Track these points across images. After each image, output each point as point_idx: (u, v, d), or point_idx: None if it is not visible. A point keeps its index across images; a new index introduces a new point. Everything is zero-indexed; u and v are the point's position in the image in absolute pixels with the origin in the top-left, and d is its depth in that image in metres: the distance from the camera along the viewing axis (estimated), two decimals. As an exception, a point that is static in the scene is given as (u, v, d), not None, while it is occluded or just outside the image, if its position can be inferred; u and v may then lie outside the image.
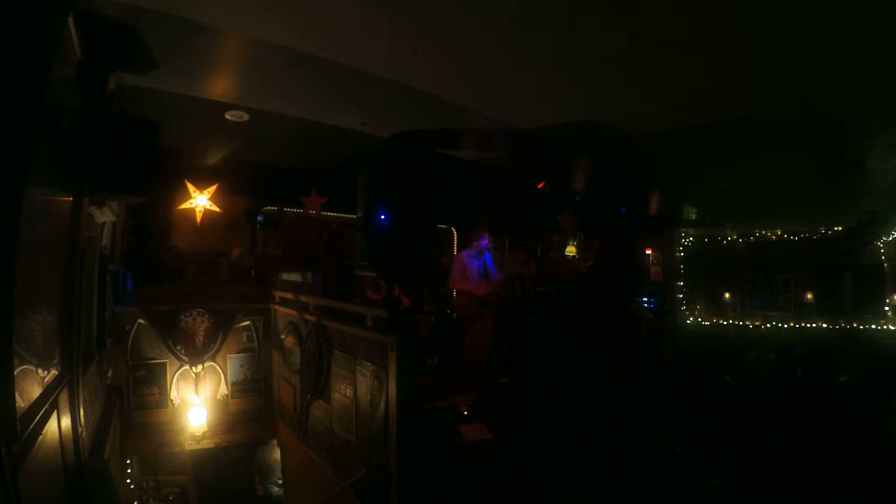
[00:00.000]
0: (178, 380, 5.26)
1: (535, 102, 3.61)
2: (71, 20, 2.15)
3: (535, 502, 3.89)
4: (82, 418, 2.67)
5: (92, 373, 3.46)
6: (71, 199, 2.47)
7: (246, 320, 5.66)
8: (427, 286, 6.90)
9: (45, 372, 2.13)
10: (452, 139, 4.55)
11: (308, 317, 4.77)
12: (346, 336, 4.14)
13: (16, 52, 1.55)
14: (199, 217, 5.84)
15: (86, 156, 2.49)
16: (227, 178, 5.92)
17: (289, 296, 5.40)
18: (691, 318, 8.70)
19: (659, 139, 4.16)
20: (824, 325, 7.87)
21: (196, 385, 5.30)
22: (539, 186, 6.88)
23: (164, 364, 5.22)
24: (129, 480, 5.02)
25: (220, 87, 3.54)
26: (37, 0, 1.67)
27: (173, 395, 5.23)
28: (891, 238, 7.50)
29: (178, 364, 5.26)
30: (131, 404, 5.06)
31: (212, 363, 5.43)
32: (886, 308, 7.47)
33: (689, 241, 8.76)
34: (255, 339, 5.71)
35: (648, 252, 8.56)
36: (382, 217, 3.58)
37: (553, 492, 3.95)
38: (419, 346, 6.29)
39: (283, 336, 5.35)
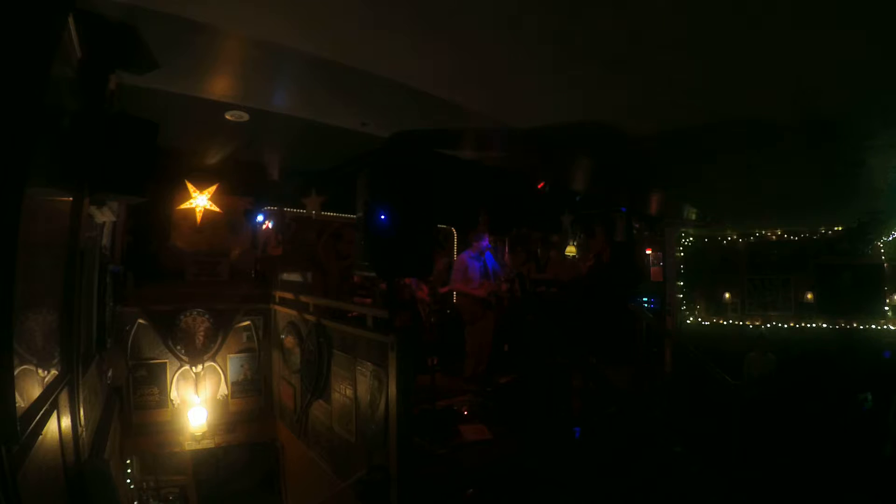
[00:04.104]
0: (178, 380, 5.26)
1: (535, 102, 3.61)
2: (71, 20, 2.15)
3: (535, 502, 3.89)
4: (82, 418, 2.67)
5: (92, 373, 3.46)
6: (71, 199, 2.47)
7: (246, 320, 5.67)
8: (429, 286, 6.92)
9: (45, 372, 2.13)
10: (452, 139, 4.55)
11: (308, 317, 4.77)
12: (346, 336, 4.14)
13: (16, 52, 1.55)
14: (199, 217, 5.84)
15: (86, 156, 2.50)
16: (227, 178, 5.92)
17: (289, 296, 5.41)
18: (691, 318, 8.71)
19: (659, 139, 4.16)
20: (824, 325, 7.87)
21: (196, 385, 5.30)
22: (539, 186, 6.88)
23: (164, 364, 5.22)
24: (129, 480, 5.02)
25: (220, 87, 3.53)
26: (37, 0, 1.67)
27: (173, 395, 5.23)
28: (891, 238, 7.50)
29: (178, 364, 5.27)
30: (131, 404, 5.06)
31: (212, 363, 5.44)
32: (886, 308, 7.47)
33: (689, 241, 8.77)
34: (255, 339, 5.71)
35: (648, 252, 8.56)
36: (382, 217, 3.58)
37: (553, 492, 3.95)
38: (419, 346, 6.29)
39: (283, 336, 5.35)
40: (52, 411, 2.13)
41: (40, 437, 1.90)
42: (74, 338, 2.60)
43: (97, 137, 2.56)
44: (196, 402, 5.23)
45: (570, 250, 8.61)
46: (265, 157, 5.76)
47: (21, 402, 1.70)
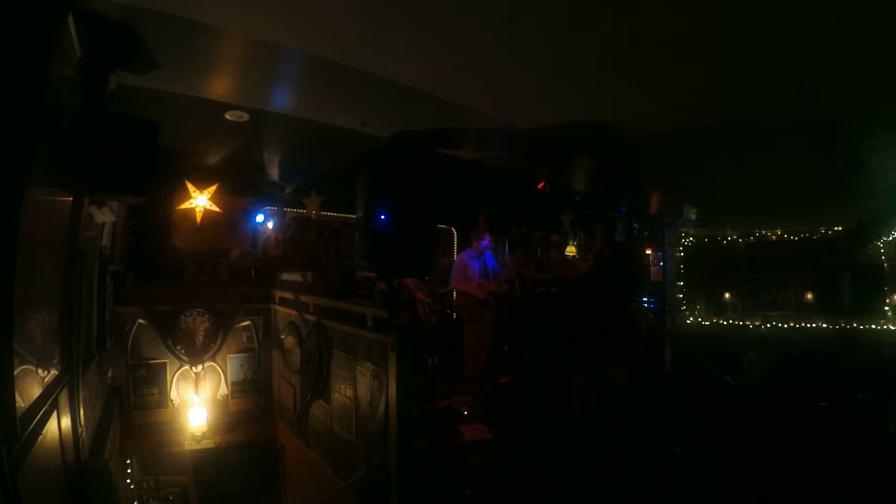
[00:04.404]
0: (178, 380, 5.26)
1: (535, 102, 3.61)
2: (71, 20, 2.15)
3: (535, 502, 3.89)
4: (82, 418, 2.67)
5: (92, 373, 3.46)
6: (71, 199, 2.47)
7: (246, 320, 5.67)
8: (429, 286, 6.91)
9: (45, 372, 2.13)
10: (452, 139, 4.55)
11: (308, 317, 4.77)
12: (346, 336, 4.14)
13: (16, 52, 1.55)
14: (199, 217, 5.85)
15: (86, 156, 2.49)
16: (227, 178, 5.93)
17: (289, 296, 5.41)
18: (691, 318, 8.70)
19: (659, 139, 4.16)
20: (824, 325, 7.87)
21: (196, 385, 5.30)
22: (539, 186, 6.88)
23: (164, 364, 5.22)
24: (129, 480, 5.02)
25: (220, 87, 3.53)
26: (37, 0, 1.67)
27: (173, 395, 5.23)
28: (891, 238, 7.50)
29: (178, 364, 5.27)
30: (131, 404, 5.06)
31: (212, 363, 5.44)
32: (886, 308, 7.47)
33: (689, 241, 8.76)
34: (255, 339, 5.71)
35: (648, 252, 8.56)
36: (382, 217, 3.59)
37: (553, 492, 3.95)
38: (419, 346, 6.29)
39: (283, 336, 5.35)
40: (52, 411, 2.13)
41: (40, 437, 1.90)
42: (74, 338, 2.60)
43: (97, 137, 2.56)
44: (196, 402, 5.23)
45: (570, 250, 8.61)
46: (265, 157, 5.76)
47: (21, 402, 1.70)
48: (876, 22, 2.28)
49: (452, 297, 7.01)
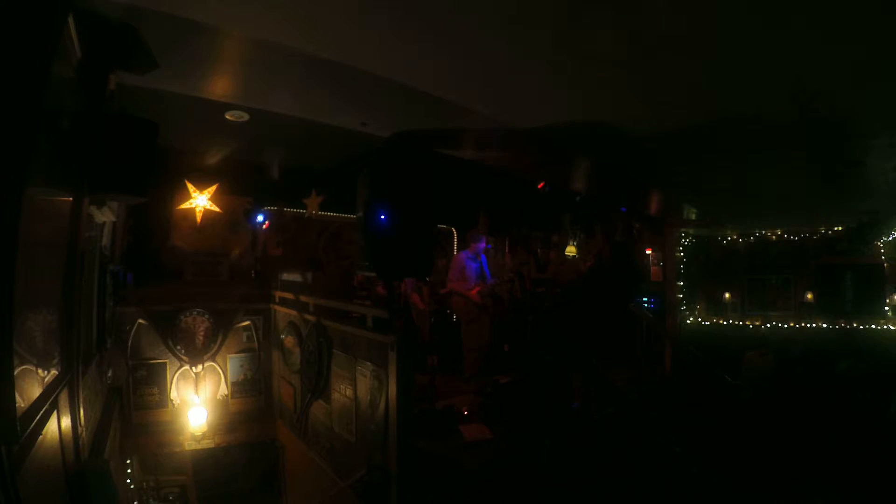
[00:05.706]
0: (178, 380, 5.26)
1: (535, 102, 3.61)
2: (71, 20, 2.15)
3: (535, 502, 3.89)
4: (82, 418, 2.66)
5: (92, 373, 3.45)
6: (71, 199, 2.47)
7: (246, 320, 5.67)
8: (429, 287, 6.91)
9: (45, 372, 2.13)
10: (452, 139, 4.55)
11: (308, 317, 4.77)
12: (346, 336, 4.14)
13: (16, 52, 1.55)
14: (199, 217, 5.85)
15: (86, 156, 2.49)
16: (227, 178, 5.93)
17: (289, 296, 5.41)
18: (691, 318, 8.70)
19: (659, 139, 4.16)
20: (824, 325, 7.87)
21: (196, 385, 5.30)
22: (539, 186, 6.88)
23: (164, 364, 5.22)
24: (129, 480, 5.01)
25: (220, 87, 3.54)
26: (37, 0, 1.67)
27: (173, 395, 5.23)
28: (891, 238, 7.50)
29: (178, 364, 5.27)
30: (131, 404, 5.06)
31: (212, 363, 5.44)
32: (886, 308, 7.47)
33: (689, 241, 8.76)
34: (255, 339, 5.71)
35: (648, 252, 8.56)
36: (382, 217, 3.58)
37: (553, 492, 3.95)
38: (419, 346, 6.28)
39: (283, 336, 5.35)
40: (52, 411, 2.13)
41: (40, 437, 1.90)
42: (74, 338, 2.60)
43: (97, 137, 2.56)
44: (196, 402, 5.23)
45: (570, 250, 8.62)
46: (265, 157, 5.77)
47: (21, 402, 1.70)
48: (877, 21, 2.27)
49: (451, 298, 7.01)
